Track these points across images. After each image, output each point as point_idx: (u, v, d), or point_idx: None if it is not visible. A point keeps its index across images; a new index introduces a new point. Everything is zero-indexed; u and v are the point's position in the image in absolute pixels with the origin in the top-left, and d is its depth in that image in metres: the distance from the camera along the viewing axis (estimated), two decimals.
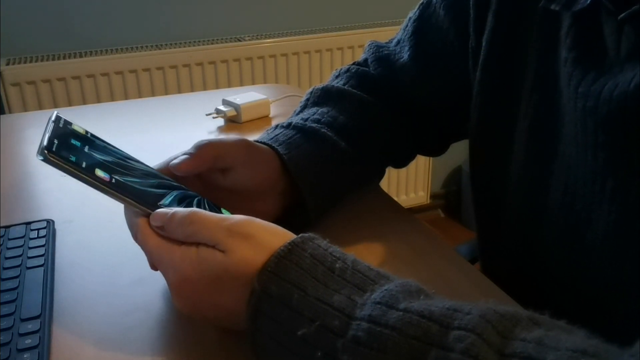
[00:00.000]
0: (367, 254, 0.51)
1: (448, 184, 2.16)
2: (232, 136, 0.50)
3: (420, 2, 0.62)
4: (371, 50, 0.66)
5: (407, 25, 0.63)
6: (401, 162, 0.67)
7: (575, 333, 0.30)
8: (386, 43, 0.66)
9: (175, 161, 0.46)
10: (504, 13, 0.50)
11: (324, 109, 0.58)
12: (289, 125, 0.55)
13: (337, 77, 0.65)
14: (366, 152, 0.58)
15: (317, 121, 0.56)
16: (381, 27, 1.74)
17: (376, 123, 0.60)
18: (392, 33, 0.67)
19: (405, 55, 0.62)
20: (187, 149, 0.48)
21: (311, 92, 0.62)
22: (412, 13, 0.63)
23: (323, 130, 0.55)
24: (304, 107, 0.61)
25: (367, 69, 0.65)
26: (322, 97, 0.60)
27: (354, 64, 0.67)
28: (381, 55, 0.64)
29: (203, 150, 0.47)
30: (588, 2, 0.41)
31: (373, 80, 0.64)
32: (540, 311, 0.32)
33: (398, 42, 0.64)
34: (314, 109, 0.59)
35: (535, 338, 0.29)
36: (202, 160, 0.47)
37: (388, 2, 1.80)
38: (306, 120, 0.56)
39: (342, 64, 1.71)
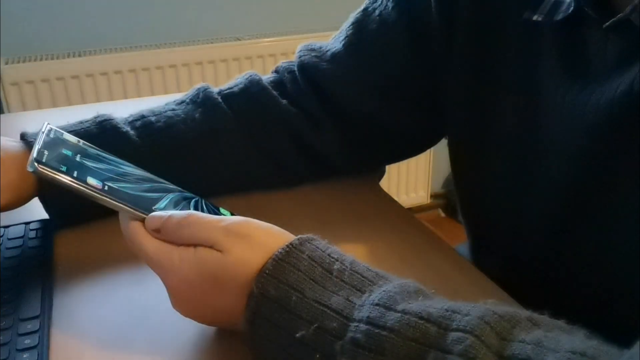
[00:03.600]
0: (367, 254, 0.51)
1: (448, 183, 2.16)
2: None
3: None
4: (303, 46, 0.60)
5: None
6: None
7: (575, 333, 0.30)
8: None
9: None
10: (476, 26, 0.49)
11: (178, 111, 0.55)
12: (94, 118, 0.54)
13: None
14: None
15: (142, 124, 0.53)
16: None
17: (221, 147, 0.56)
18: None
19: (338, 45, 0.57)
20: None
21: (197, 90, 0.59)
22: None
23: (129, 132, 0.53)
24: (179, 102, 0.58)
25: (277, 75, 0.60)
26: (199, 100, 0.57)
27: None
28: (311, 47, 0.59)
29: None
30: (570, 10, 0.41)
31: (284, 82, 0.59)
32: (540, 311, 0.32)
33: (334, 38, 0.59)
34: (171, 107, 0.56)
35: (534, 339, 0.29)
36: None
37: None
38: (133, 121, 0.54)
39: None
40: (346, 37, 0.56)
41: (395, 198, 0.62)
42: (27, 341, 0.38)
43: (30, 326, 0.40)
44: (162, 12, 1.56)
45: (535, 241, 0.48)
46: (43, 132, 0.41)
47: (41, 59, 1.44)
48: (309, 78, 0.58)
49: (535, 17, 0.43)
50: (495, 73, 0.49)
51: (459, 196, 0.58)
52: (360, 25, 0.56)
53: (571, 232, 0.44)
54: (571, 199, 0.43)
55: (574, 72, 0.42)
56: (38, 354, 0.38)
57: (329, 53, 0.57)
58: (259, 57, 1.61)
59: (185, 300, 0.38)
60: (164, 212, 0.40)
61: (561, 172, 0.44)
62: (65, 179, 0.39)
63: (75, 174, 0.39)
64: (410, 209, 1.67)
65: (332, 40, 0.59)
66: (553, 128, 0.44)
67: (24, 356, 0.37)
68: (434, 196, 2.07)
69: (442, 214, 2.15)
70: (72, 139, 0.43)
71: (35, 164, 0.38)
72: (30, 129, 0.52)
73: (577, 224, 0.43)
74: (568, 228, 0.44)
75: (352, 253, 0.37)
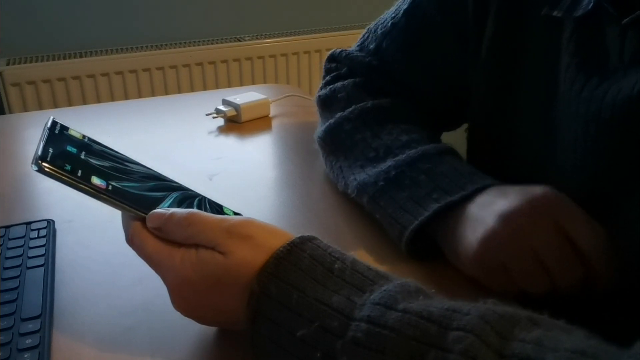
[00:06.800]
0: (367, 254, 0.51)
1: None
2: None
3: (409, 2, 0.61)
4: (351, 61, 0.64)
5: (388, 27, 0.62)
6: None
7: (575, 333, 0.30)
8: (356, 51, 0.65)
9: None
10: (504, 19, 0.50)
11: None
12: None
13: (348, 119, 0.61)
14: None
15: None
16: None
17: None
18: None
19: (400, 64, 0.61)
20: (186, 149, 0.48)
21: (363, 110, 0.59)
22: (396, 17, 0.62)
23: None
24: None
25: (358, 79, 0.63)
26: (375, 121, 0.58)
27: (343, 75, 0.65)
28: (371, 66, 0.63)
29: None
30: (590, 7, 0.41)
31: (376, 90, 0.62)
32: (540, 311, 0.32)
33: (377, 48, 0.62)
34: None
35: (534, 339, 0.29)
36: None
37: (388, 3, 1.80)
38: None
39: None
40: (404, 54, 0.61)
41: None
42: (28, 341, 0.38)
43: (32, 326, 0.40)
44: (162, 13, 1.56)
45: None
46: (48, 128, 0.41)
47: (42, 60, 1.44)
48: (380, 73, 0.63)
49: (555, 13, 0.43)
50: (517, 68, 0.49)
51: None
52: (413, 42, 0.60)
53: None
54: (584, 197, 0.43)
55: (590, 67, 0.42)
56: (39, 354, 0.38)
57: (397, 72, 0.61)
58: (259, 57, 1.61)
59: (186, 300, 0.38)
60: (165, 209, 0.40)
61: (576, 169, 0.44)
62: (69, 178, 0.39)
63: (79, 173, 0.39)
64: None
65: (380, 51, 0.62)
66: (569, 124, 0.44)
67: (25, 356, 0.37)
68: None
69: None
70: (77, 134, 0.43)
71: (40, 162, 0.38)
72: (31, 129, 0.52)
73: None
74: None
75: (352, 253, 0.37)
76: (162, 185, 0.44)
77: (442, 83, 0.60)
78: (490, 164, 0.54)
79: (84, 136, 0.43)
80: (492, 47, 0.51)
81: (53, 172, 0.38)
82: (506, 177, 0.51)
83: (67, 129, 0.43)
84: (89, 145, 0.43)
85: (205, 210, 0.44)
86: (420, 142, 0.53)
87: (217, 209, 0.45)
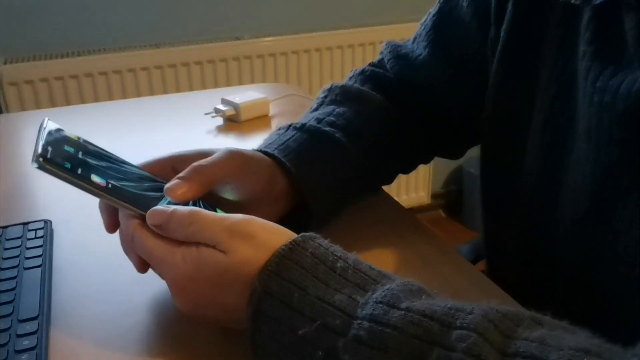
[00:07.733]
0: (368, 254, 0.50)
1: (449, 183, 2.16)
2: (223, 150, 0.47)
3: None
4: (388, 48, 0.65)
5: (426, 20, 0.62)
6: (411, 168, 0.66)
7: (578, 333, 0.30)
8: (404, 42, 0.66)
9: (170, 185, 0.43)
10: (524, 4, 0.49)
11: (340, 110, 0.57)
12: (302, 127, 0.54)
13: (350, 78, 0.64)
14: (377, 160, 0.57)
15: (332, 123, 0.55)
16: (381, 26, 1.74)
17: (391, 129, 0.59)
18: (392, 32, 0.66)
19: (424, 52, 0.61)
20: (183, 150, 0.48)
21: (329, 89, 0.61)
22: (433, 8, 0.62)
23: (337, 135, 0.53)
24: (320, 104, 0.60)
25: (381, 70, 0.64)
26: (341, 95, 0.59)
27: (370, 64, 0.66)
28: (400, 54, 0.63)
29: (200, 177, 0.44)
30: None
31: (388, 82, 0.63)
32: (543, 311, 0.32)
33: (415, 38, 0.63)
34: (330, 108, 0.58)
35: (537, 337, 0.29)
36: (200, 188, 0.44)
37: (388, 2, 1.79)
38: (320, 121, 0.55)
39: (342, 62, 1.70)
40: (428, 42, 0.61)
41: (396, 198, 0.62)
42: (26, 342, 0.38)
43: (29, 327, 0.40)
44: (161, 11, 1.55)
45: (560, 232, 0.47)
46: (45, 128, 0.41)
47: (40, 59, 1.44)
48: (404, 84, 0.63)
49: (573, 1, 0.43)
50: (535, 54, 0.49)
51: (483, 188, 0.57)
52: (440, 29, 0.60)
53: (596, 227, 0.44)
54: (596, 187, 0.43)
55: (605, 57, 0.41)
56: (37, 355, 0.37)
57: (417, 62, 0.62)
58: (259, 56, 1.61)
59: (187, 298, 0.38)
60: (167, 206, 0.40)
61: (590, 159, 0.43)
62: (70, 176, 0.39)
63: (79, 172, 0.39)
64: (410, 209, 1.67)
65: (415, 43, 0.63)
66: (584, 115, 0.43)
67: (23, 357, 0.37)
68: (434, 196, 2.07)
69: (443, 214, 2.15)
70: (73, 135, 0.43)
71: (41, 159, 0.37)
72: (29, 129, 0.52)
73: (603, 217, 0.43)
74: (594, 222, 0.44)
75: (353, 253, 0.37)
76: (158, 187, 0.44)
77: (459, 69, 0.60)
78: (504, 153, 0.54)
79: (78, 137, 0.43)
80: (512, 30, 0.50)
81: (54, 170, 0.38)
82: (521, 167, 0.51)
83: (62, 130, 0.43)
84: (84, 146, 0.43)
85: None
86: None
87: (210, 209, 0.45)
